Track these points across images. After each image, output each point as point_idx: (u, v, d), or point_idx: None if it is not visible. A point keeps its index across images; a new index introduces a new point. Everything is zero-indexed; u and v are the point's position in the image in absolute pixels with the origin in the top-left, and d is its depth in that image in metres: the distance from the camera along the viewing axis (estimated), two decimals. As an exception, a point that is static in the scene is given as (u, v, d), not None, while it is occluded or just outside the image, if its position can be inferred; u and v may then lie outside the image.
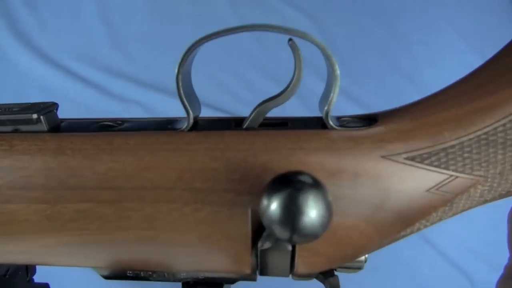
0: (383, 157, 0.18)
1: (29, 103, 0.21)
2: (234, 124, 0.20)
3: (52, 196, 0.19)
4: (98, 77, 0.55)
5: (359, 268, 0.21)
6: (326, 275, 0.21)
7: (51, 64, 0.55)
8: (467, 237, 0.50)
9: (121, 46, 0.56)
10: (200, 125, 0.20)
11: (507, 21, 0.59)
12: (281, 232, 0.16)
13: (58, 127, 0.20)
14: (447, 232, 0.52)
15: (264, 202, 0.16)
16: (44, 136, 0.20)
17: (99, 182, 0.19)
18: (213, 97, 0.55)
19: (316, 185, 0.16)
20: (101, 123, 0.21)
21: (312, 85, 0.59)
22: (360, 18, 0.58)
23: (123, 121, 0.21)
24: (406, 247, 0.51)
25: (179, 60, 0.19)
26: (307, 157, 0.18)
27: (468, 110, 0.18)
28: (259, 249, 0.19)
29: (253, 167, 0.18)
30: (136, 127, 0.20)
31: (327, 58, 0.19)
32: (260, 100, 0.20)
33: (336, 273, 0.21)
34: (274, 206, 0.16)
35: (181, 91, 0.19)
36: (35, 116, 0.19)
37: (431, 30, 0.58)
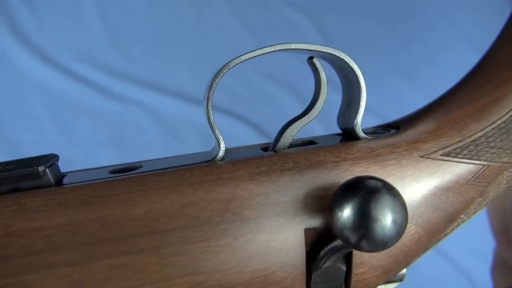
0: (421, 156, 0.18)
1: (21, 158, 0.18)
2: (260, 149, 0.19)
3: (80, 256, 0.16)
4: (98, 77, 0.55)
5: (401, 280, 0.21)
6: None
7: (51, 64, 0.55)
8: (467, 237, 0.50)
9: (121, 46, 0.56)
10: (228, 155, 0.19)
11: (507, 21, 0.59)
12: (353, 238, 0.15)
13: (62, 181, 0.18)
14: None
15: (336, 207, 0.15)
16: (59, 189, 0.17)
17: (136, 229, 0.16)
18: (213, 97, 0.55)
19: (392, 189, 0.15)
20: (115, 167, 0.19)
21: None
22: (360, 18, 0.58)
23: (138, 164, 0.19)
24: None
25: (207, 89, 0.19)
26: (352, 167, 0.18)
27: (484, 102, 0.19)
28: (313, 272, 0.18)
29: (301, 185, 0.17)
30: (159, 167, 0.18)
31: (352, 71, 0.19)
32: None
33: None
34: (347, 212, 0.15)
35: (211, 119, 0.18)
36: (41, 169, 0.17)
37: (431, 30, 0.58)
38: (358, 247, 0.15)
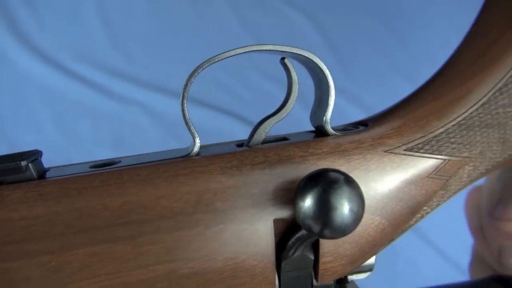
0: (385, 151, 0.19)
1: (5, 154, 0.19)
2: (235, 145, 0.20)
3: (58, 244, 0.17)
4: (98, 77, 0.55)
5: (370, 270, 0.22)
6: (343, 283, 0.21)
7: (51, 64, 0.55)
8: (467, 237, 0.50)
9: (121, 46, 0.56)
10: (204, 151, 0.20)
11: (507, 21, 0.59)
12: (315, 227, 0.16)
13: (44, 175, 0.19)
14: (447, 232, 0.52)
15: (299, 198, 0.16)
16: (40, 182, 0.18)
17: (113, 219, 0.17)
18: (213, 97, 0.55)
19: (349, 180, 0.16)
20: (95, 162, 0.20)
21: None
22: (360, 18, 0.58)
23: (117, 159, 0.20)
24: (406, 247, 0.52)
25: (184, 84, 0.19)
26: (319, 161, 0.19)
27: (445, 101, 0.20)
28: (282, 261, 0.19)
29: (271, 178, 0.18)
30: (137, 162, 0.19)
31: (321, 71, 0.20)
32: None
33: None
34: (309, 202, 0.16)
35: (187, 116, 0.19)
36: (24, 163, 0.18)
37: (431, 30, 0.58)
38: (320, 234, 0.16)
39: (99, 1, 0.57)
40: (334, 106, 0.22)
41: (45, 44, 0.56)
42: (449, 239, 0.51)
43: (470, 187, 0.29)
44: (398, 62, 0.56)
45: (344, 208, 0.16)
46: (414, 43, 0.57)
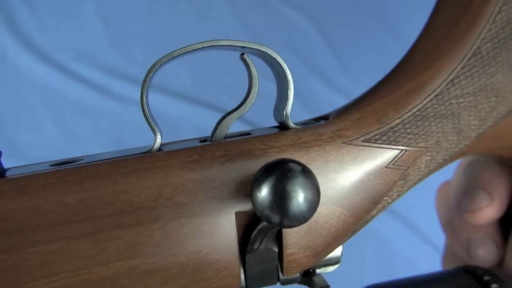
0: (344, 143, 0.20)
1: None
2: (198, 141, 0.20)
3: (15, 242, 0.17)
4: (98, 77, 0.55)
5: (337, 262, 0.22)
6: (309, 276, 0.21)
7: (51, 64, 0.55)
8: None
9: (121, 46, 0.56)
10: (166, 147, 0.20)
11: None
12: (273, 216, 0.16)
13: (4, 175, 0.18)
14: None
15: (255, 188, 0.16)
16: None
17: (71, 216, 0.17)
18: (213, 97, 0.55)
19: (304, 169, 0.16)
20: (56, 161, 0.19)
21: (312, 85, 0.59)
22: (360, 18, 0.58)
23: (80, 158, 0.20)
24: (406, 247, 0.52)
25: (142, 80, 0.19)
26: (279, 154, 0.19)
27: (400, 93, 0.21)
28: (247, 254, 0.19)
29: (231, 171, 0.18)
30: (97, 160, 0.19)
31: (279, 65, 0.20)
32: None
33: (319, 272, 0.22)
34: (264, 191, 0.16)
35: (147, 111, 0.19)
36: None
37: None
38: (279, 224, 0.16)
39: (99, 1, 0.57)
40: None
41: (45, 44, 0.56)
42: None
43: (437, 182, 0.30)
44: (397, 61, 0.56)
45: (299, 196, 0.16)
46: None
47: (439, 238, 0.52)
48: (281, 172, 0.16)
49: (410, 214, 0.53)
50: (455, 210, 0.27)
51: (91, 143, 0.53)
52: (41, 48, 0.56)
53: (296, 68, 0.52)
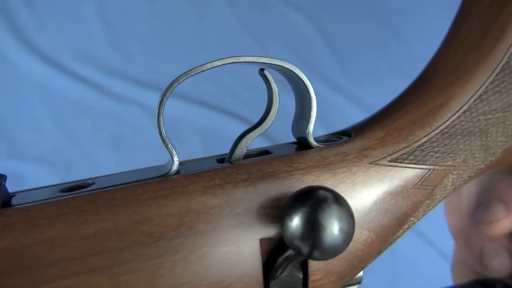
0: (370, 163, 0.19)
1: None
2: (216, 161, 0.19)
3: (28, 280, 0.16)
4: (98, 77, 0.55)
5: (359, 282, 0.21)
6: None
7: (51, 64, 0.55)
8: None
9: (121, 46, 0.56)
10: (183, 168, 0.19)
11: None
12: (304, 248, 0.15)
13: (10, 202, 0.17)
14: (448, 233, 0.52)
15: (286, 217, 0.15)
16: (4, 211, 0.16)
17: (87, 249, 0.16)
18: (213, 97, 0.55)
19: (338, 198, 0.16)
20: (66, 185, 0.18)
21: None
22: (360, 18, 0.58)
23: (90, 181, 0.19)
24: (406, 247, 0.51)
25: (159, 101, 0.18)
26: (304, 176, 0.18)
27: (427, 110, 0.20)
28: (271, 281, 0.18)
29: (255, 196, 0.17)
30: (112, 183, 0.18)
31: (302, 82, 0.19)
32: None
33: None
34: (296, 221, 0.15)
35: (163, 133, 0.18)
36: None
37: (431, 30, 0.58)
38: (309, 256, 0.15)
39: (99, 1, 0.57)
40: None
41: (45, 44, 0.56)
42: (449, 239, 0.51)
43: None
44: (398, 62, 0.56)
45: (334, 227, 0.15)
46: (414, 43, 0.57)
47: (439, 238, 0.52)
48: (314, 202, 0.15)
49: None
50: (467, 220, 0.27)
51: (91, 143, 0.53)
52: (41, 48, 0.56)
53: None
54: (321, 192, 0.16)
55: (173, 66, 0.54)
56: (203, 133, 0.53)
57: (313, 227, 0.15)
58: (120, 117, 0.54)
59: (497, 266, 0.26)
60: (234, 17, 0.58)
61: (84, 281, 0.16)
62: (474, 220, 0.26)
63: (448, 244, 0.52)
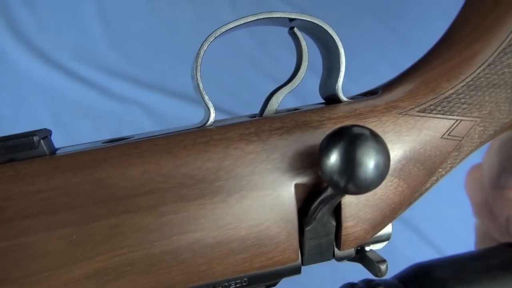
0: (399, 113, 0.20)
1: (13, 134, 0.19)
2: (248, 117, 0.20)
3: (79, 216, 0.16)
4: (98, 77, 0.55)
5: (388, 238, 0.22)
6: (363, 252, 0.21)
7: (50, 64, 0.55)
8: (467, 237, 0.50)
9: (121, 46, 0.56)
10: (218, 124, 0.19)
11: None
12: (341, 181, 0.15)
13: (55, 153, 0.18)
14: (448, 233, 0.52)
15: (323, 155, 0.16)
16: (54, 156, 0.17)
17: (133, 189, 0.17)
18: (213, 97, 0.55)
19: (374, 134, 0.16)
20: (107, 140, 0.19)
21: (312, 85, 0.59)
22: (360, 18, 0.58)
23: (130, 136, 0.20)
24: (406, 247, 0.52)
25: (196, 53, 0.19)
26: (336, 125, 0.19)
27: (452, 64, 0.21)
28: (305, 227, 0.19)
29: (290, 143, 0.18)
30: (150, 136, 0.19)
31: (331, 37, 0.21)
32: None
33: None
34: (334, 157, 0.15)
35: (200, 86, 0.19)
36: (36, 138, 0.17)
37: (431, 30, 0.58)
38: (345, 189, 0.16)
39: (99, 1, 0.57)
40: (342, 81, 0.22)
41: (45, 44, 0.56)
42: (449, 239, 0.51)
43: (469, 165, 0.29)
44: (398, 62, 0.56)
45: (370, 162, 0.15)
46: (414, 43, 0.57)
47: (439, 238, 0.52)
48: (352, 137, 0.15)
49: (410, 214, 0.53)
50: (491, 190, 0.27)
51: (91, 143, 0.53)
52: (41, 48, 0.56)
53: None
54: (357, 128, 0.16)
55: (173, 66, 0.54)
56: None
57: (350, 160, 0.15)
58: (120, 117, 0.54)
59: None
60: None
61: (131, 219, 0.17)
62: (499, 188, 0.26)
63: (448, 243, 0.52)
